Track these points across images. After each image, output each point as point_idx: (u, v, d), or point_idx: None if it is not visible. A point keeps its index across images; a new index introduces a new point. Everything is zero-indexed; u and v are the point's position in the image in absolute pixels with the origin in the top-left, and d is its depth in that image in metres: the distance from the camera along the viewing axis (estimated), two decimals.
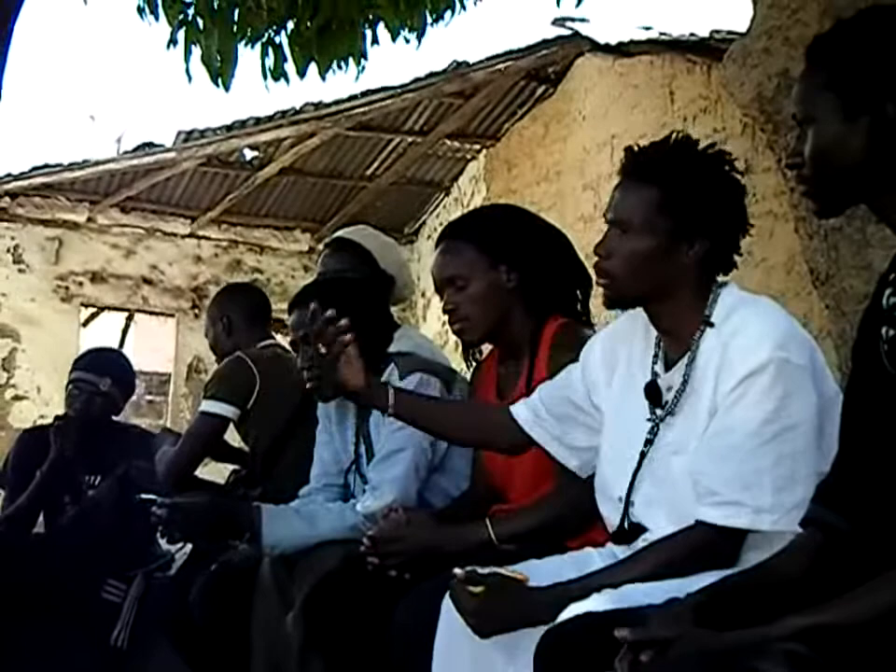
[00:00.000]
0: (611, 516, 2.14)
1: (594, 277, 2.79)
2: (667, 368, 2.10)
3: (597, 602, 1.83)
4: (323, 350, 2.37)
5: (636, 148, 2.13)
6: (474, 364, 2.83)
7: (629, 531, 2.09)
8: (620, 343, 2.24)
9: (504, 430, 2.38)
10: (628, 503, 2.09)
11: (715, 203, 2.05)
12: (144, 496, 3.14)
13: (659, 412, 2.07)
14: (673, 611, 1.61)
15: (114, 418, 4.16)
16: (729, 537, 1.93)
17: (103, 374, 4.02)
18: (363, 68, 4.34)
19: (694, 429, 2.00)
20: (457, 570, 2.01)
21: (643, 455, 2.07)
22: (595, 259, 2.12)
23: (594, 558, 2.18)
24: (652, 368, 2.12)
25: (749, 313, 2.01)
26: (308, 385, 2.97)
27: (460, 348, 2.80)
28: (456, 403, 2.80)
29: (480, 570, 2.01)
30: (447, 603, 2.10)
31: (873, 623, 1.40)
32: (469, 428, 2.50)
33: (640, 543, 2.06)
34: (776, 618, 1.45)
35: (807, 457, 1.90)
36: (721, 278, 2.12)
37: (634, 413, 2.12)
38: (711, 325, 2.03)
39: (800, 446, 1.91)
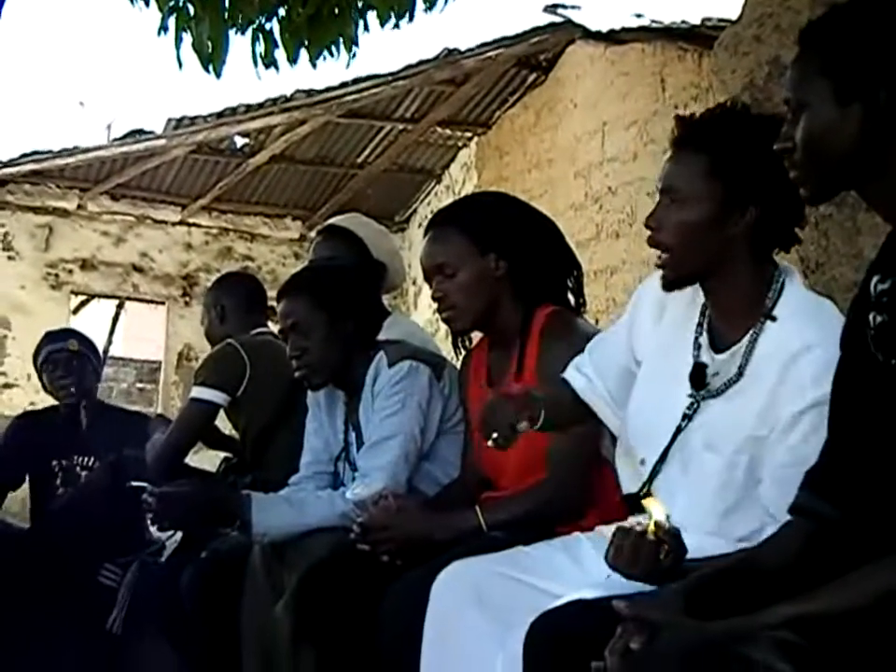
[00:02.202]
0: (627, 476, 2.10)
1: (583, 265, 2.79)
2: (715, 349, 2.02)
3: (588, 591, 1.83)
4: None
5: (686, 118, 2.08)
6: (464, 352, 2.83)
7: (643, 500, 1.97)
8: (667, 299, 2.13)
9: None
10: (654, 473, 2.03)
11: (765, 168, 1.94)
12: (135, 483, 3.14)
13: (702, 392, 2.00)
14: (662, 598, 1.61)
15: (104, 400, 4.20)
16: None
17: (66, 338, 4.16)
18: (354, 55, 4.34)
19: (736, 425, 1.93)
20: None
21: (679, 429, 2.01)
22: (648, 232, 2.04)
23: (583, 543, 2.18)
24: (696, 341, 2.05)
25: (821, 326, 1.90)
26: (297, 374, 2.97)
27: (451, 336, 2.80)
28: None
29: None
30: (436, 589, 2.10)
31: (863, 611, 1.40)
32: None
33: (638, 518, 1.96)
34: (765, 606, 1.45)
35: None
36: (780, 261, 2.05)
37: (672, 378, 2.05)
38: (773, 319, 1.97)
39: None
